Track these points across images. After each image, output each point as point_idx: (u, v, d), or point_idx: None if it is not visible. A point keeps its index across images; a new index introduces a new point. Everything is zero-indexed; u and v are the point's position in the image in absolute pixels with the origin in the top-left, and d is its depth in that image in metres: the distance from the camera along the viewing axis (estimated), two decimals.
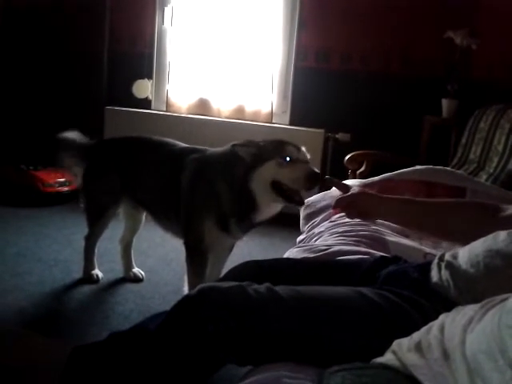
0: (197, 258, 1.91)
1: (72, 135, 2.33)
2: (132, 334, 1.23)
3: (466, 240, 1.10)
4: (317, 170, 1.64)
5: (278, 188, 1.67)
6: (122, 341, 1.23)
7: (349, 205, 1.31)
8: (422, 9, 3.51)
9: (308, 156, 1.72)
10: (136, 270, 2.41)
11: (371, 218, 1.43)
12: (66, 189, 3.59)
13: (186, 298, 1.06)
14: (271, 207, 1.79)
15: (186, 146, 2.05)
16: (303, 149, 1.73)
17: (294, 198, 1.68)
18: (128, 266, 2.40)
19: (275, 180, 1.66)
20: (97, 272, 2.35)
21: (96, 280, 2.33)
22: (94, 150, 2.27)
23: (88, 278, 2.32)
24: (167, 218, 2.05)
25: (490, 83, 3.32)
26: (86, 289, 2.26)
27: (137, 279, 2.38)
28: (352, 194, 1.31)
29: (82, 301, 2.15)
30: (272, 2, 3.73)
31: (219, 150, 1.87)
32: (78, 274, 2.38)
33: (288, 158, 1.65)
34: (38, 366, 1.36)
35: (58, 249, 2.70)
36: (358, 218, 1.38)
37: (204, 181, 1.82)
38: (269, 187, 1.67)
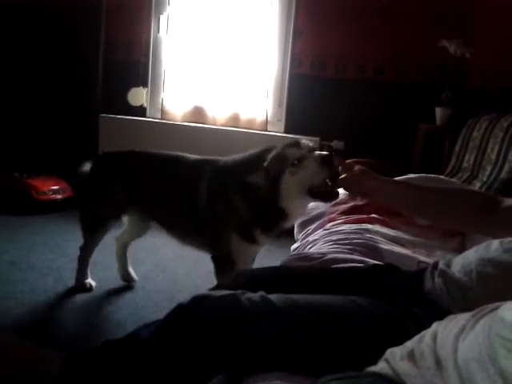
0: (226, 271, 1.82)
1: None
2: (125, 342, 1.23)
3: (463, 228, 1.10)
4: (324, 153, 1.56)
5: (314, 194, 1.59)
6: (115, 349, 1.22)
7: (350, 185, 1.30)
8: (417, 18, 3.53)
9: (310, 145, 1.66)
10: (131, 270, 2.41)
11: (372, 198, 1.41)
12: (59, 196, 3.58)
13: (180, 306, 1.05)
14: (300, 211, 1.78)
15: (198, 157, 1.98)
16: (303, 141, 1.66)
17: (326, 194, 1.57)
18: (123, 266, 2.40)
19: (308, 187, 1.58)
20: (90, 281, 2.34)
21: (89, 289, 2.31)
22: (98, 162, 2.23)
23: (81, 287, 2.31)
24: (185, 232, 2.01)
25: (483, 92, 3.34)
26: (80, 297, 2.25)
27: (130, 279, 2.39)
28: (354, 174, 1.29)
29: (75, 309, 2.14)
30: (267, 10, 3.75)
31: (230, 160, 1.83)
32: (71, 282, 2.37)
33: (296, 162, 1.59)
34: (31, 375, 1.35)
35: (52, 257, 2.69)
36: (359, 197, 1.37)
37: (220, 194, 1.77)
38: (304, 196, 1.60)
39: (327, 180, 1.52)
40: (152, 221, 2.17)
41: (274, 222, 1.71)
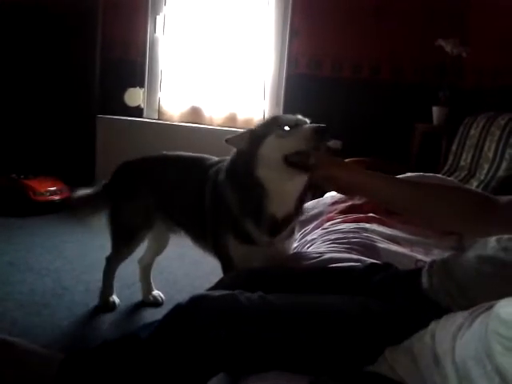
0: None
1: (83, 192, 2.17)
2: (124, 342, 1.23)
3: (458, 229, 1.08)
4: (322, 124, 1.42)
5: (291, 163, 1.44)
6: (113, 349, 1.22)
7: (328, 178, 1.23)
8: (413, 17, 3.55)
9: (308, 120, 1.53)
10: (156, 292, 2.29)
11: (352, 195, 1.35)
12: (57, 197, 3.57)
13: (178, 306, 1.06)
14: (285, 193, 1.55)
15: (217, 159, 1.85)
16: (299, 116, 1.54)
17: (307, 165, 1.38)
18: (147, 288, 2.28)
19: (283, 155, 1.44)
20: (114, 298, 2.19)
21: (113, 307, 2.16)
22: (123, 170, 2.11)
23: (104, 305, 2.16)
24: (198, 236, 1.91)
25: (480, 91, 3.35)
26: (77, 298, 2.25)
27: (156, 303, 2.25)
28: (333, 168, 1.23)
29: (72, 310, 2.13)
30: (264, 10, 3.75)
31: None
32: (69, 283, 2.37)
33: (287, 127, 1.46)
34: (30, 375, 1.35)
35: (50, 258, 2.69)
36: (338, 192, 1.30)
37: (217, 193, 1.68)
38: (279, 164, 1.45)
39: (310, 145, 1.40)
40: (175, 227, 2.05)
41: (260, 207, 1.54)
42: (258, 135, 1.51)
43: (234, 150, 1.61)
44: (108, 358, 1.20)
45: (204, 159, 1.91)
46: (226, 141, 1.59)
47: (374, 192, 1.22)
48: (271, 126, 1.50)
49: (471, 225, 1.08)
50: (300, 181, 1.54)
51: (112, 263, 2.17)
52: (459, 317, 0.71)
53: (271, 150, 1.47)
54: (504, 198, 1.13)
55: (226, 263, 1.71)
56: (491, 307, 0.65)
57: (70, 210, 2.21)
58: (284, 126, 1.46)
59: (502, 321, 0.56)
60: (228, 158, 1.73)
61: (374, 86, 3.70)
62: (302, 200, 1.63)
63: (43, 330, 1.96)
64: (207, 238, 1.80)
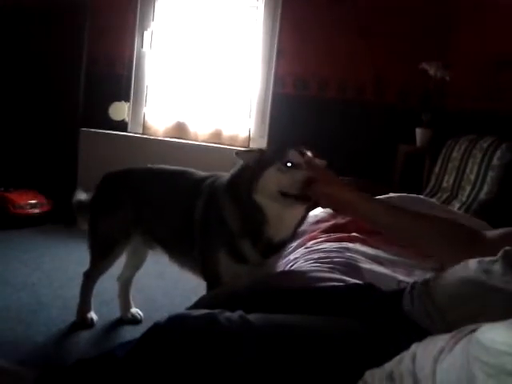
0: None
1: (83, 196, 2.17)
2: (100, 360, 1.20)
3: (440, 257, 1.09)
4: (314, 176, 1.40)
5: (286, 195, 1.49)
6: (89, 367, 1.19)
7: (324, 196, 1.26)
8: (398, 40, 3.61)
9: (317, 161, 1.54)
10: (134, 310, 2.26)
11: (344, 214, 1.37)
12: (36, 211, 3.52)
13: (156, 325, 1.03)
14: (284, 220, 1.59)
15: (205, 174, 1.86)
16: (309, 153, 1.57)
17: (302, 196, 1.45)
18: (126, 305, 2.24)
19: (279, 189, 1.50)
20: (92, 315, 2.15)
21: (90, 324, 2.12)
22: (105, 182, 2.09)
23: (81, 322, 2.12)
24: (183, 253, 1.87)
25: (462, 114, 3.40)
26: (54, 313, 2.20)
27: (135, 320, 2.22)
28: (328, 186, 1.26)
29: (49, 326, 2.08)
30: (252, 29, 3.78)
31: (227, 174, 1.71)
32: (45, 297, 2.32)
33: (289, 164, 1.49)
34: None
35: (27, 272, 2.63)
36: (331, 209, 1.32)
37: (213, 207, 1.66)
38: (275, 196, 1.51)
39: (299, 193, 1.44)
40: (153, 243, 2.01)
41: (258, 229, 1.57)
42: (264, 160, 1.54)
43: (239, 164, 1.61)
44: (83, 376, 1.17)
45: (191, 173, 1.90)
46: (237, 154, 1.61)
47: (368, 216, 1.24)
48: (278, 155, 1.52)
49: (458, 256, 1.08)
50: (298, 209, 1.59)
51: (89, 278, 2.13)
52: (440, 340, 0.70)
53: (268, 182, 1.51)
54: (490, 234, 1.14)
55: (213, 280, 1.69)
56: (472, 331, 0.64)
57: (73, 213, 2.17)
58: (287, 162, 1.49)
59: (483, 347, 0.55)
60: (221, 173, 1.76)
61: (358, 107, 3.74)
62: (299, 225, 1.68)
63: (18, 345, 1.91)
64: (192, 253, 1.76)
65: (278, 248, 1.65)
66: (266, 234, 1.58)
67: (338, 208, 1.29)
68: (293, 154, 1.52)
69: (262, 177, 1.52)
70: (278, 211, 1.55)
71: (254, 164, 1.56)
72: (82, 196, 2.17)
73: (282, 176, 1.49)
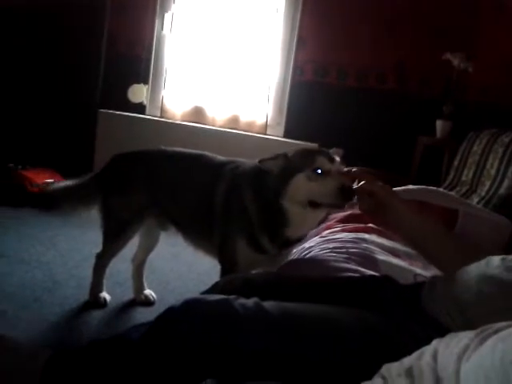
0: None
1: (62, 184, 2.13)
2: (114, 342, 1.20)
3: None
4: (351, 184, 1.42)
5: (313, 204, 1.51)
6: (103, 349, 1.19)
7: (366, 192, 1.22)
8: (422, 30, 3.54)
9: (344, 168, 1.50)
10: (147, 291, 2.25)
11: (383, 222, 1.35)
12: None
13: (171, 309, 1.02)
14: (307, 222, 1.65)
15: (221, 158, 1.87)
16: (337, 159, 1.54)
17: (330, 206, 1.53)
18: (139, 287, 2.24)
19: (309, 199, 1.51)
20: (104, 295, 2.16)
21: (103, 304, 2.13)
22: (115, 163, 2.08)
23: (94, 301, 2.13)
24: (200, 235, 1.89)
25: (484, 107, 3.34)
26: (68, 292, 2.21)
27: (148, 302, 2.22)
28: (379, 186, 1.22)
29: (63, 305, 2.10)
30: (273, 15, 3.74)
31: (251, 162, 1.71)
32: (60, 276, 2.34)
33: (319, 171, 1.48)
34: (15, 371, 1.32)
35: (42, 250, 2.65)
36: (368, 212, 1.27)
37: (236, 195, 1.67)
38: (304, 204, 1.52)
39: (332, 204, 1.49)
40: (169, 225, 2.02)
41: (279, 228, 1.60)
42: (291, 166, 1.53)
43: (268, 163, 1.57)
44: (97, 358, 1.17)
45: (210, 156, 1.90)
46: (260, 161, 1.58)
47: (405, 227, 1.22)
48: (306, 161, 1.51)
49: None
50: (322, 212, 1.64)
51: (102, 259, 2.14)
52: (464, 337, 0.68)
53: (298, 190, 1.51)
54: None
55: (229, 266, 1.71)
56: (500, 330, 0.62)
57: (47, 203, 2.15)
58: (317, 169, 1.48)
59: None
60: (241, 160, 1.78)
61: (378, 96, 3.68)
62: (320, 224, 1.77)
63: (31, 323, 1.93)
64: (211, 237, 1.78)
65: (295, 242, 1.72)
66: (287, 234, 1.63)
67: (378, 212, 1.24)
68: (322, 161, 1.49)
69: (291, 184, 1.52)
70: (303, 216, 1.58)
71: (279, 171, 1.55)
72: (59, 184, 2.14)
73: (312, 184, 1.49)
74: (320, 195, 1.48)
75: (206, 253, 1.90)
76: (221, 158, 1.88)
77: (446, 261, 1.16)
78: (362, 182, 1.26)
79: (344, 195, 1.42)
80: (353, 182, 1.37)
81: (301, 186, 1.50)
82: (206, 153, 1.92)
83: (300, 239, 1.74)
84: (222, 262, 1.76)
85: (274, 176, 1.55)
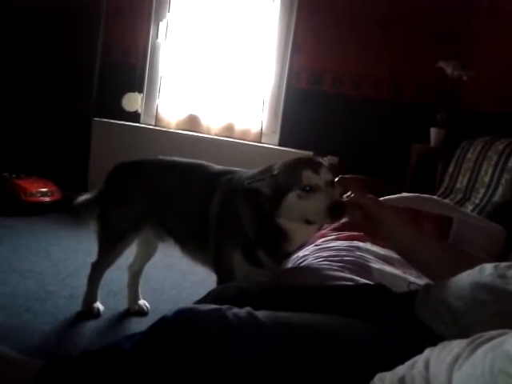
0: None
1: (84, 197, 2.11)
2: (105, 352, 1.19)
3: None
4: (340, 199, 1.39)
5: (307, 221, 1.52)
6: (94, 359, 1.18)
7: (357, 205, 1.22)
8: (417, 38, 3.56)
9: (330, 176, 1.49)
10: (142, 302, 2.24)
11: (374, 234, 1.35)
12: (47, 199, 3.53)
13: (163, 319, 1.02)
14: (303, 236, 1.66)
15: (219, 167, 1.85)
16: (324, 167, 1.50)
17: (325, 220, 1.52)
18: (134, 297, 2.23)
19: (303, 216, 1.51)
20: (98, 305, 2.14)
21: (96, 314, 2.10)
22: (116, 171, 2.07)
23: (87, 312, 2.10)
24: (196, 246, 1.87)
25: (478, 115, 3.35)
26: (61, 302, 2.20)
27: (142, 312, 2.21)
28: (367, 198, 1.22)
29: (55, 315, 2.08)
30: (268, 22, 3.75)
31: (247, 172, 1.70)
32: (53, 287, 2.32)
33: (308, 188, 1.46)
34: (6, 382, 1.30)
35: (35, 260, 2.64)
36: (358, 224, 1.27)
37: (230, 208, 1.66)
38: (298, 220, 1.52)
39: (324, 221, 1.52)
40: (166, 235, 2.00)
41: (276, 243, 1.60)
42: (279, 186, 1.51)
43: (256, 185, 1.55)
44: (88, 368, 1.16)
45: (206, 166, 1.89)
46: (248, 184, 1.56)
47: (396, 239, 1.22)
48: (293, 178, 1.49)
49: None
50: (318, 225, 1.66)
51: (97, 269, 2.12)
52: (455, 346, 0.67)
53: (292, 210, 1.51)
54: None
55: (225, 277, 1.69)
56: (493, 338, 0.62)
57: (73, 216, 2.16)
58: (306, 187, 1.46)
59: None
60: (237, 170, 1.77)
61: (373, 104, 3.70)
62: (315, 233, 1.79)
63: (23, 334, 1.91)
64: (205, 246, 1.76)
65: (291, 254, 1.74)
66: (283, 247, 1.63)
67: (368, 224, 1.23)
68: (308, 176, 1.47)
69: (283, 205, 1.51)
70: (299, 230, 1.59)
71: (269, 191, 1.53)
72: (82, 198, 2.11)
73: (304, 203, 1.48)
74: (312, 214, 1.49)
75: (202, 264, 1.88)
76: (218, 167, 1.86)
77: (437, 271, 1.16)
78: (352, 195, 1.26)
79: (335, 213, 1.41)
80: (344, 192, 1.36)
81: (293, 205, 1.50)
82: (204, 162, 1.91)
83: (295, 251, 1.77)
84: (218, 272, 1.75)
85: (265, 196, 1.54)
